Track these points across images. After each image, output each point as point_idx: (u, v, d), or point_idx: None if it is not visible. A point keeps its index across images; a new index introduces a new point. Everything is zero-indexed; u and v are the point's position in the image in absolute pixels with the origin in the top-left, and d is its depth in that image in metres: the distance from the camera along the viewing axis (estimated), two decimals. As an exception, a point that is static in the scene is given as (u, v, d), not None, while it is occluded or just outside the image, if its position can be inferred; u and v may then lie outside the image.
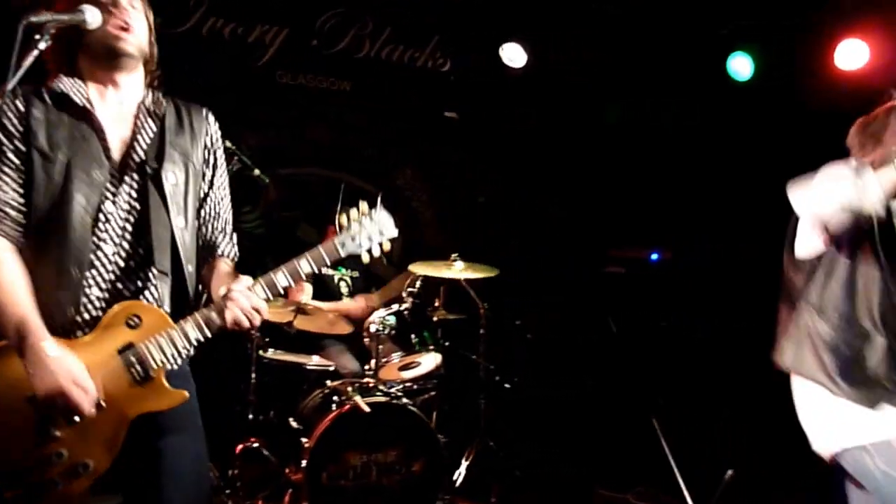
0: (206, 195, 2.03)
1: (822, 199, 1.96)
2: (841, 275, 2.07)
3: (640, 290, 5.28)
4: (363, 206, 1.99)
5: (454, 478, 4.08)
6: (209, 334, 1.84)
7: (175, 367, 1.85)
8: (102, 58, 1.86)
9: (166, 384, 1.81)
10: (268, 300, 1.86)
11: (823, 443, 2.11)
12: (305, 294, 4.29)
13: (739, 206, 5.19)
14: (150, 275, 1.87)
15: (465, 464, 4.16)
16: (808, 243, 2.12)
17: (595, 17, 4.94)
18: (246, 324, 1.82)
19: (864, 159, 2.11)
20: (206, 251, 2.05)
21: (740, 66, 4.87)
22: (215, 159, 2.05)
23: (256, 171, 3.67)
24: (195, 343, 1.84)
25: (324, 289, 4.55)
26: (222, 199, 2.09)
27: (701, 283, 5.07)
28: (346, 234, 1.95)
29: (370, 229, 1.97)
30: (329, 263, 1.95)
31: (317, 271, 1.93)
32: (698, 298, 5.03)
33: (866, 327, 2.03)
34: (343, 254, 1.94)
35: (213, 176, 2.04)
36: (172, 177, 1.90)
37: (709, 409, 4.72)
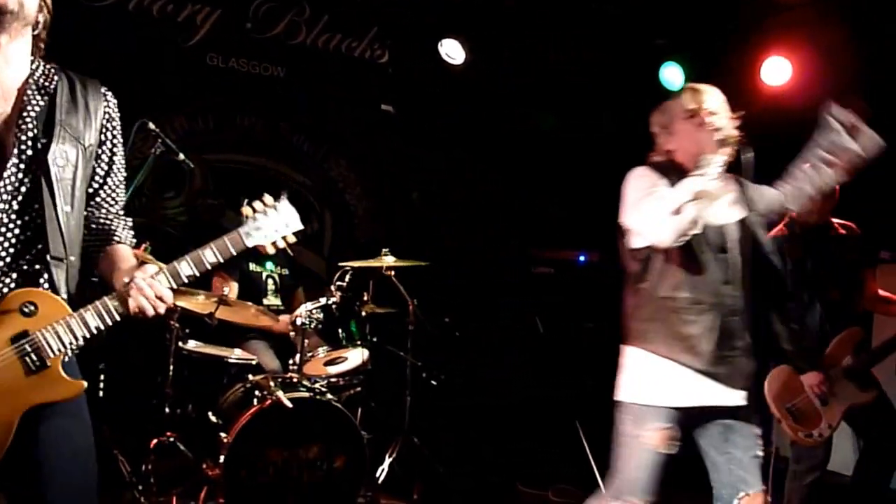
0: (104, 179, 1.92)
1: (656, 229, 2.26)
2: (684, 261, 2.33)
3: (567, 291, 5.36)
4: (268, 198, 1.97)
5: (377, 474, 4.06)
6: (110, 323, 1.78)
7: (71, 356, 1.78)
8: None
9: (63, 373, 1.74)
10: (173, 289, 1.82)
11: (621, 394, 2.46)
12: (232, 292, 4.18)
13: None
14: (45, 260, 1.75)
15: (388, 460, 4.14)
16: (639, 239, 2.41)
17: (535, 22, 4.97)
18: (150, 312, 1.78)
19: (667, 147, 2.49)
20: (101, 237, 1.93)
21: (672, 75, 5.01)
22: (112, 141, 1.91)
23: (181, 156, 3.53)
24: (94, 332, 1.77)
25: (251, 286, 4.44)
26: (119, 183, 1.97)
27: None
28: (251, 225, 1.93)
29: (275, 221, 1.96)
30: (234, 253, 1.91)
31: (221, 261, 1.89)
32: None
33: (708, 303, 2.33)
34: (248, 244, 1.92)
35: (110, 159, 1.91)
36: (61, 159, 1.76)
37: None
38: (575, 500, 4.19)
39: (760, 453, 2.40)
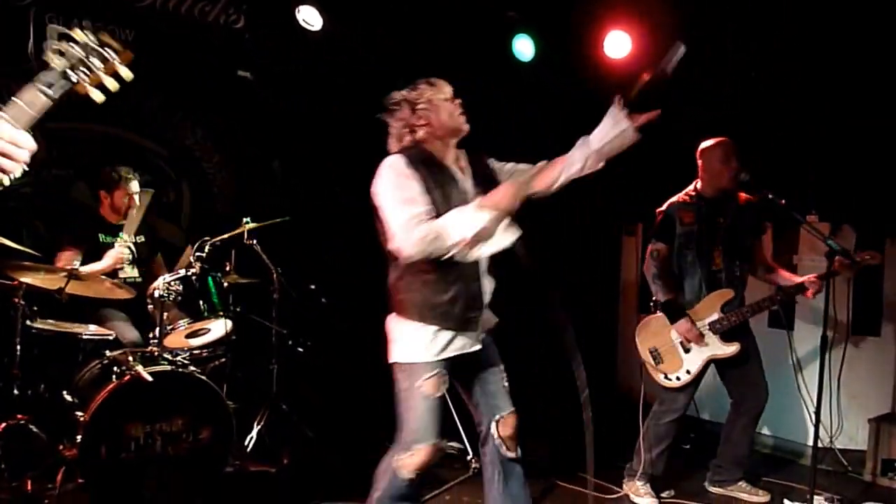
0: None
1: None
2: None
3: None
4: (76, 32, 1.62)
5: (245, 443, 4.08)
6: None
7: None
8: None
9: None
10: None
11: (393, 356, 2.70)
12: (75, 260, 3.99)
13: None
14: None
15: (256, 428, 4.17)
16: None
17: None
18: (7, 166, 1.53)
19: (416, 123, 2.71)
20: None
21: (523, 47, 5.19)
22: None
23: (17, 124, 3.33)
24: None
25: (102, 255, 4.26)
26: None
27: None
28: (51, 72, 1.59)
29: (85, 55, 1.61)
30: (38, 115, 1.57)
31: (24, 128, 1.56)
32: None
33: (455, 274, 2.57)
34: (55, 95, 1.58)
35: None
36: None
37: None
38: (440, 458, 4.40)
39: (506, 383, 2.80)
